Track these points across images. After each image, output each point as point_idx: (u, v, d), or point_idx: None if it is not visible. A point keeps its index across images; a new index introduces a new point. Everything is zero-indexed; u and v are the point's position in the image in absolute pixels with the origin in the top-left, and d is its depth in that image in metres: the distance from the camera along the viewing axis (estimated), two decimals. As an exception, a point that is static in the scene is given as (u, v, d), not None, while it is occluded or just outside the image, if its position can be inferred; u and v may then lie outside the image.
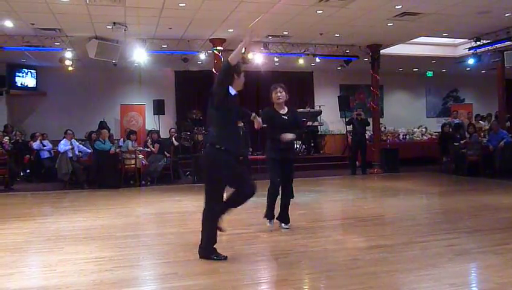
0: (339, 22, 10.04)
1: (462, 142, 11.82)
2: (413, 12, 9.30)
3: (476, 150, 11.26)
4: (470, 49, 12.22)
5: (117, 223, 6.39)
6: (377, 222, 6.25)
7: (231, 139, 4.32)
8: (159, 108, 14.47)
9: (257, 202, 7.74)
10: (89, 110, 14.56)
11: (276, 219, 5.65)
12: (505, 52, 11.78)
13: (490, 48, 11.72)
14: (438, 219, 6.41)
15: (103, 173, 10.45)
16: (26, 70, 14.30)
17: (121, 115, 14.89)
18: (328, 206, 8.05)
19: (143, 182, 10.90)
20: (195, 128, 13.50)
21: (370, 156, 12.65)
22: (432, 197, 8.83)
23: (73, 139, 10.96)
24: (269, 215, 5.64)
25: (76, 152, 10.89)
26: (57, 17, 9.12)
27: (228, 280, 3.77)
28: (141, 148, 11.41)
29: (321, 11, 9.15)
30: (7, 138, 11.55)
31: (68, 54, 11.55)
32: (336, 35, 11.27)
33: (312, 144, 15.10)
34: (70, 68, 12.51)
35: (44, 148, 11.81)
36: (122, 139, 12.26)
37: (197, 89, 14.95)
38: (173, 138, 12.80)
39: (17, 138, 12.34)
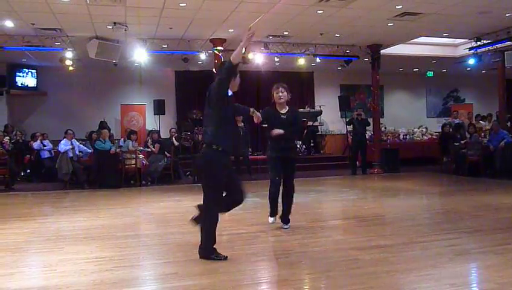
0: (339, 22, 10.04)
1: (462, 142, 11.82)
2: (414, 12, 9.30)
3: (477, 150, 11.26)
4: (470, 49, 12.22)
5: (117, 223, 6.39)
6: (377, 222, 6.25)
7: (228, 139, 4.33)
8: (159, 108, 14.48)
9: (257, 202, 7.79)
10: (90, 110, 14.56)
11: (279, 217, 5.67)
12: (505, 52, 11.77)
13: (491, 48, 11.72)
14: (438, 219, 6.41)
15: (103, 173, 10.45)
16: (26, 70, 14.30)
17: (122, 115, 14.89)
18: (328, 206, 8.05)
19: (143, 182, 10.91)
20: (196, 128, 13.50)
21: (370, 156, 12.65)
22: (432, 197, 8.83)
23: (73, 139, 10.97)
24: (272, 213, 5.67)
25: (77, 152, 10.89)
26: (57, 17, 9.12)
27: (228, 280, 3.77)
28: (141, 148, 11.42)
29: (321, 11, 9.15)
30: (7, 137, 11.55)
31: (68, 54, 11.56)
32: (336, 35, 11.27)
33: (312, 144, 15.10)
34: (70, 68, 12.51)
35: (45, 148, 11.81)
36: (122, 139, 12.25)
37: (197, 89, 14.93)
38: (173, 138, 12.81)
39: (18, 137, 12.34)
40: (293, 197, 5.62)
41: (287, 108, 5.60)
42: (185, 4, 8.53)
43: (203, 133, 4.40)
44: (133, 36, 10.74)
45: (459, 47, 13.75)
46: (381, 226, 6.00)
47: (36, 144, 11.73)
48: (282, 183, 5.56)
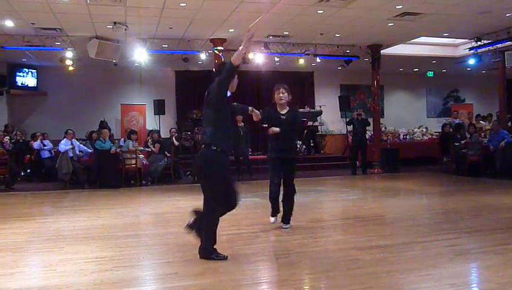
0: (339, 22, 10.04)
1: (462, 142, 11.82)
2: (414, 12, 9.30)
3: (477, 150, 11.26)
4: (470, 49, 12.22)
5: (117, 223, 6.39)
6: (378, 222, 6.24)
7: (227, 140, 4.35)
8: (159, 108, 14.48)
9: (257, 202, 7.79)
10: (90, 110, 14.56)
11: (280, 217, 5.68)
12: (505, 53, 11.76)
13: (491, 48, 11.72)
14: (438, 219, 6.40)
15: (104, 172, 10.45)
16: (26, 70, 14.31)
17: (122, 115, 14.89)
18: (328, 206, 8.05)
19: (143, 182, 10.91)
20: (196, 128, 13.50)
21: (370, 156, 12.65)
22: (433, 197, 8.83)
23: (73, 139, 10.96)
24: (273, 213, 5.69)
25: (77, 152, 10.89)
26: (57, 16, 9.13)
27: (228, 279, 3.77)
28: (142, 148, 11.42)
29: (322, 11, 9.15)
30: (8, 137, 11.55)
31: (69, 54, 11.58)
32: (337, 35, 11.27)
33: (312, 144, 15.10)
34: (70, 68, 12.53)
35: (45, 148, 11.81)
36: (122, 139, 12.26)
37: (197, 89, 14.88)
38: (174, 138, 12.81)
39: (18, 137, 12.34)
40: (293, 197, 5.62)
41: (288, 109, 5.61)
42: (185, 4, 8.53)
43: (202, 134, 4.40)
44: (133, 36, 10.74)
45: (459, 47, 13.76)
46: (381, 226, 6.00)
47: (36, 144, 11.73)
48: (282, 184, 5.57)
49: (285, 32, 11.04)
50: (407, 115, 17.64)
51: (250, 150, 12.62)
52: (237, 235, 5.30)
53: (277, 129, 5.40)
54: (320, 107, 15.66)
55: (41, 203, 8.72)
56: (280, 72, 15.02)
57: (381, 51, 12.69)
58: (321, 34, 11.09)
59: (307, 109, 14.94)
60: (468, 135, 12.11)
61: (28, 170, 12.07)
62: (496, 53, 12.26)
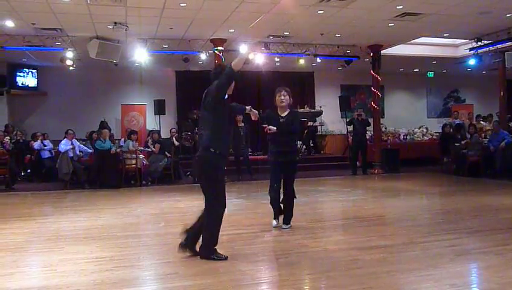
0: (339, 22, 10.04)
1: (462, 142, 11.81)
2: (414, 12, 9.30)
3: (477, 151, 11.26)
4: (470, 49, 12.22)
5: (118, 223, 6.39)
6: (378, 222, 6.24)
7: (224, 142, 4.39)
8: (159, 108, 14.48)
9: (257, 202, 7.79)
10: (90, 110, 14.57)
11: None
12: (506, 53, 11.76)
13: (491, 48, 11.72)
14: (438, 219, 6.41)
15: (104, 173, 10.45)
16: (27, 70, 14.32)
17: (122, 115, 14.89)
18: (328, 206, 8.05)
19: (144, 182, 10.91)
20: (196, 128, 13.49)
21: (371, 156, 12.65)
22: (433, 197, 8.82)
23: (74, 139, 10.96)
24: (275, 216, 5.69)
25: (77, 152, 10.89)
26: (58, 16, 9.13)
27: (228, 280, 3.77)
28: (142, 148, 11.42)
29: (322, 12, 9.15)
30: (8, 137, 11.56)
31: (69, 54, 11.59)
32: (337, 35, 11.27)
33: (312, 144, 15.10)
34: (71, 68, 12.54)
35: (45, 148, 11.81)
36: (123, 139, 12.27)
37: (197, 89, 14.75)
38: (174, 138, 12.81)
39: (18, 137, 12.35)
40: (293, 200, 5.62)
41: (288, 111, 5.60)
42: (185, 4, 8.53)
43: (199, 137, 4.41)
44: (134, 36, 10.74)
45: (460, 47, 13.76)
46: (382, 226, 6.00)
47: (37, 144, 11.73)
48: (282, 186, 5.58)
49: (285, 33, 11.04)
50: (407, 115, 17.63)
51: (250, 150, 12.63)
52: (237, 235, 5.29)
53: (274, 128, 5.40)
54: (320, 107, 15.65)
55: (42, 203, 8.72)
56: (280, 72, 15.03)
57: (382, 51, 12.69)
58: (321, 34, 11.09)
59: (307, 109, 14.93)
60: (468, 135, 12.11)
61: (28, 170, 12.07)
62: (496, 53, 12.26)
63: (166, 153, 11.37)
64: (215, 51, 11.31)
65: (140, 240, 5.46)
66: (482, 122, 14.35)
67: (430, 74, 16.97)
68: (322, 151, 15.52)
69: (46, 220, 6.88)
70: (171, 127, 13.66)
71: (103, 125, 13.39)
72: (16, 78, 14.06)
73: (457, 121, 13.80)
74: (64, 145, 10.57)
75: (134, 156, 10.73)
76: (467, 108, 16.86)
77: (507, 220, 6.03)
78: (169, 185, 10.81)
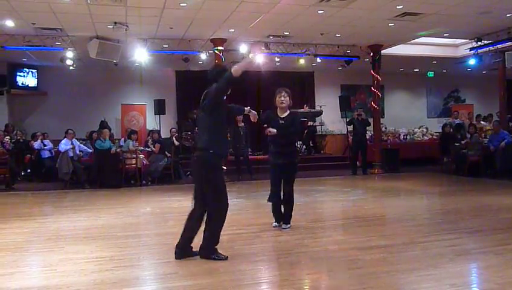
0: (339, 22, 10.03)
1: (462, 142, 11.82)
2: (414, 12, 9.29)
3: (477, 151, 11.26)
4: (471, 49, 12.21)
5: (118, 222, 6.39)
6: (378, 222, 6.25)
7: (223, 144, 4.43)
8: (159, 108, 14.47)
9: (257, 202, 7.79)
10: (90, 110, 14.56)
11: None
12: (506, 53, 11.75)
13: (491, 48, 11.71)
14: (438, 219, 6.41)
15: (104, 172, 10.46)
16: (27, 70, 14.31)
17: (122, 115, 14.89)
18: (328, 206, 8.05)
19: (144, 182, 10.91)
20: (196, 128, 13.48)
21: (371, 156, 12.65)
22: (433, 197, 8.82)
23: (74, 139, 10.97)
24: (276, 219, 5.69)
25: (77, 152, 10.90)
26: (58, 16, 9.13)
27: (228, 279, 3.77)
28: (142, 148, 11.43)
29: (322, 11, 9.15)
30: (8, 137, 11.57)
31: (69, 54, 11.59)
32: (337, 35, 11.26)
33: (311, 144, 15.09)
34: (71, 68, 12.54)
35: (45, 147, 11.82)
36: (123, 139, 12.27)
37: (198, 89, 14.59)
38: (174, 138, 12.80)
39: (18, 137, 12.36)
40: (292, 202, 5.62)
41: (288, 112, 5.59)
42: (185, 4, 8.53)
43: (197, 139, 4.42)
44: (134, 36, 10.74)
45: (460, 47, 13.76)
46: (382, 226, 6.00)
47: (37, 144, 11.73)
48: (282, 188, 5.58)
49: (285, 32, 11.04)
50: (407, 115, 17.62)
51: (250, 150, 12.62)
52: (237, 235, 5.30)
53: (274, 130, 5.40)
54: (320, 107, 15.65)
55: (42, 203, 8.73)
56: (280, 72, 15.02)
57: (382, 51, 12.69)
58: (321, 34, 11.08)
59: (307, 109, 14.92)
60: (468, 135, 12.11)
61: (28, 170, 12.07)
62: (496, 53, 12.26)
63: (166, 152, 11.38)
64: (215, 51, 11.31)
65: (140, 240, 5.46)
66: (482, 122, 14.35)
67: (430, 74, 16.98)
68: (322, 151, 15.51)
69: (46, 219, 6.89)
70: (171, 127, 13.65)
71: (103, 125, 13.40)
72: (16, 77, 14.06)
73: (457, 121, 13.80)
74: (64, 145, 10.58)
75: (134, 155, 10.73)
76: (467, 108, 16.86)
77: (507, 220, 6.04)
78: (169, 184, 10.82)
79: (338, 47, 12.40)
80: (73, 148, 10.74)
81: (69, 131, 10.90)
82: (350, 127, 13.15)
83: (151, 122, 14.69)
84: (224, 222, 4.34)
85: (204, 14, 9.12)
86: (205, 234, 4.32)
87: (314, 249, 4.67)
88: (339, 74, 16.67)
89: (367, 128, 12.54)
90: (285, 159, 5.49)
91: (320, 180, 11.19)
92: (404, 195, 8.95)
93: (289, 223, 5.61)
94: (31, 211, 7.66)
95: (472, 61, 12.85)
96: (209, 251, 4.28)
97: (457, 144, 11.82)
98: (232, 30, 10.49)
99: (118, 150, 10.83)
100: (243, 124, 11.32)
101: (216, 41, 11.26)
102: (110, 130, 12.36)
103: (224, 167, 9.57)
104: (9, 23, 9.57)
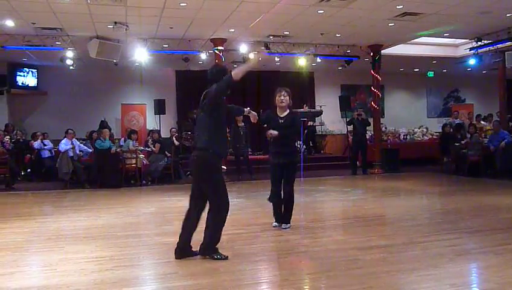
0: (340, 22, 10.03)
1: (462, 142, 11.82)
2: (414, 12, 9.29)
3: (477, 151, 11.26)
4: (471, 49, 12.21)
5: (118, 222, 6.39)
6: (378, 222, 6.25)
7: (222, 144, 4.43)
8: (159, 108, 14.47)
9: (257, 202, 7.79)
10: (90, 110, 14.56)
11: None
12: (506, 53, 11.75)
13: (491, 48, 11.70)
14: (438, 219, 6.41)
15: (104, 172, 10.46)
16: (27, 70, 14.31)
17: (122, 115, 14.90)
18: (328, 206, 8.05)
19: (144, 182, 10.91)
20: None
21: (371, 156, 12.65)
22: (433, 197, 8.83)
23: (74, 139, 10.97)
24: (275, 218, 5.69)
25: (77, 151, 10.90)
26: (58, 16, 9.13)
27: (228, 279, 3.77)
28: (142, 147, 11.43)
29: (322, 11, 9.15)
30: (8, 137, 11.57)
31: (69, 54, 11.59)
32: (337, 35, 11.26)
33: (311, 144, 15.09)
34: (71, 68, 12.53)
35: (45, 147, 11.82)
36: (123, 139, 12.27)
37: (198, 89, 14.54)
38: (174, 138, 12.80)
39: (18, 137, 12.36)
40: (292, 202, 5.62)
41: (287, 112, 5.59)
42: (185, 4, 8.53)
43: (196, 138, 4.42)
44: (134, 36, 10.74)
45: (460, 47, 13.75)
46: (382, 226, 6.01)
47: (37, 144, 11.73)
48: (282, 188, 5.58)
49: (285, 32, 11.04)
50: (407, 115, 17.63)
51: (250, 150, 12.62)
52: (237, 235, 5.30)
53: (275, 132, 5.40)
54: (320, 107, 15.65)
55: (42, 202, 8.73)
56: (280, 72, 15.02)
57: (382, 51, 12.69)
58: (321, 34, 11.08)
59: (306, 109, 14.92)
60: (468, 135, 12.11)
61: (28, 170, 12.07)
62: (496, 53, 12.26)
63: (166, 152, 11.38)
64: (215, 51, 11.31)
65: (141, 240, 5.46)
66: (482, 122, 14.35)
67: (430, 74, 16.97)
68: (322, 151, 15.52)
69: (46, 219, 6.89)
70: (171, 127, 13.65)
71: (103, 125, 13.40)
72: (16, 77, 14.05)
73: (457, 121, 13.80)
74: (64, 144, 10.58)
75: (134, 155, 10.73)
76: (467, 108, 16.87)
77: (507, 220, 6.04)
78: (169, 184, 10.81)
79: (338, 47, 12.40)
80: (73, 148, 10.73)
81: (69, 131, 10.90)
82: (350, 127, 13.15)
83: (151, 122, 14.69)
84: (225, 221, 4.34)
85: (204, 14, 9.12)
86: (206, 233, 4.33)
87: (314, 249, 4.67)
88: (339, 74, 16.67)
89: (367, 128, 12.55)
90: (285, 158, 5.49)
91: (320, 180, 11.18)
92: (404, 195, 8.95)
93: (289, 223, 5.61)
94: (31, 211, 7.67)
95: (472, 61, 12.85)
96: (210, 250, 4.28)
97: (457, 144, 11.82)
98: (232, 30, 10.49)
99: (118, 149, 10.83)
100: (243, 124, 11.32)
101: (216, 41, 11.26)
102: (110, 130, 12.36)
103: (224, 167, 9.62)
104: (9, 23, 9.57)
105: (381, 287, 3.53)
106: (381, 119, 14.13)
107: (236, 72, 4.20)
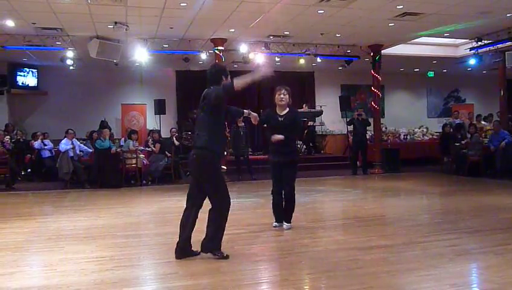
0: (340, 22, 10.03)
1: (463, 142, 11.82)
2: (414, 12, 9.29)
3: (477, 151, 11.26)
4: (471, 49, 12.21)
5: (118, 222, 6.40)
6: (378, 222, 6.25)
7: (221, 144, 4.49)
8: (160, 108, 14.47)
9: (257, 202, 7.80)
10: (90, 110, 14.56)
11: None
12: (506, 53, 11.76)
13: (491, 48, 11.71)
14: (438, 219, 6.41)
15: (104, 172, 10.46)
16: (27, 70, 14.31)
17: (122, 115, 14.90)
18: (328, 206, 8.06)
19: (144, 182, 10.92)
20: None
21: (371, 156, 12.65)
22: (433, 197, 8.82)
23: (74, 139, 10.97)
24: (277, 219, 5.69)
25: (78, 151, 10.91)
26: (58, 16, 9.13)
27: (228, 279, 3.77)
28: (142, 147, 11.43)
29: (322, 11, 9.15)
30: (8, 137, 11.57)
31: (69, 54, 11.60)
32: (337, 35, 11.26)
33: (311, 144, 15.09)
34: (71, 68, 12.53)
35: (45, 147, 11.82)
36: (123, 139, 12.27)
37: (198, 89, 14.54)
38: (174, 138, 12.80)
39: (18, 137, 12.36)
40: (293, 201, 5.61)
41: (287, 110, 5.59)
42: (185, 4, 8.53)
43: (196, 138, 4.42)
44: (134, 36, 10.74)
45: (460, 47, 13.75)
46: (382, 226, 6.00)
47: (37, 144, 11.74)
48: (282, 188, 5.58)
49: (285, 32, 11.04)
50: (407, 115, 17.62)
51: (250, 150, 12.62)
52: (237, 235, 5.30)
53: (280, 137, 5.36)
54: (320, 107, 15.65)
55: (42, 202, 8.73)
56: (280, 72, 14.96)
57: (382, 51, 12.69)
58: (322, 34, 11.08)
59: (306, 109, 14.93)
60: (468, 135, 12.11)
61: (29, 170, 12.08)
62: (496, 53, 12.26)
63: (166, 152, 11.38)
64: (216, 51, 11.31)
65: (141, 240, 5.46)
66: (482, 122, 14.35)
67: (430, 74, 16.97)
68: (322, 151, 15.51)
69: (47, 219, 6.89)
70: (172, 127, 13.65)
71: (103, 125, 13.40)
72: (16, 77, 14.05)
73: (457, 121, 13.79)
74: (65, 144, 10.58)
75: (134, 155, 10.74)
76: (467, 108, 16.86)
77: (507, 220, 6.04)
78: (170, 184, 10.82)
79: (338, 47, 12.40)
80: (74, 148, 10.74)
81: (69, 131, 10.90)
82: (350, 127, 13.15)
83: (152, 122, 14.69)
84: (226, 220, 4.35)
85: (204, 14, 9.12)
86: (208, 229, 4.34)
87: (314, 249, 4.67)
88: (339, 74, 16.67)
89: (367, 128, 12.54)
90: (285, 157, 5.47)
91: (320, 180, 11.19)
92: (404, 195, 8.95)
93: (290, 223, 5.61)
94: (31, 211, 7.67)
95: (472, 61, 12.85)
96: (213, 244, 4.30)
97: (457, 144, 11.82)
98: (232, 30, 10.49)
99: (118, 149, 10.84)
100: (243, 124, 11.32)
101: (216, 41, 11.26)
102: (110, 130, 12.36)
103: (224, 167, 9.62)
104: (10, 23, 9.57)
105: (381, 287, 3.53)
106: (382, 119, 14.14)
107: (239, 82, 4.21)
